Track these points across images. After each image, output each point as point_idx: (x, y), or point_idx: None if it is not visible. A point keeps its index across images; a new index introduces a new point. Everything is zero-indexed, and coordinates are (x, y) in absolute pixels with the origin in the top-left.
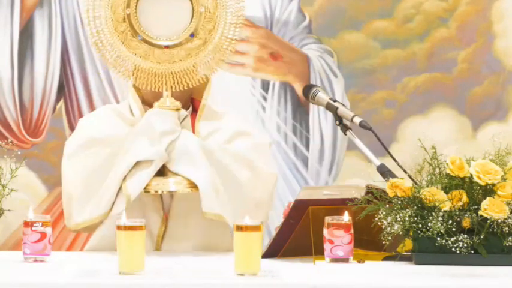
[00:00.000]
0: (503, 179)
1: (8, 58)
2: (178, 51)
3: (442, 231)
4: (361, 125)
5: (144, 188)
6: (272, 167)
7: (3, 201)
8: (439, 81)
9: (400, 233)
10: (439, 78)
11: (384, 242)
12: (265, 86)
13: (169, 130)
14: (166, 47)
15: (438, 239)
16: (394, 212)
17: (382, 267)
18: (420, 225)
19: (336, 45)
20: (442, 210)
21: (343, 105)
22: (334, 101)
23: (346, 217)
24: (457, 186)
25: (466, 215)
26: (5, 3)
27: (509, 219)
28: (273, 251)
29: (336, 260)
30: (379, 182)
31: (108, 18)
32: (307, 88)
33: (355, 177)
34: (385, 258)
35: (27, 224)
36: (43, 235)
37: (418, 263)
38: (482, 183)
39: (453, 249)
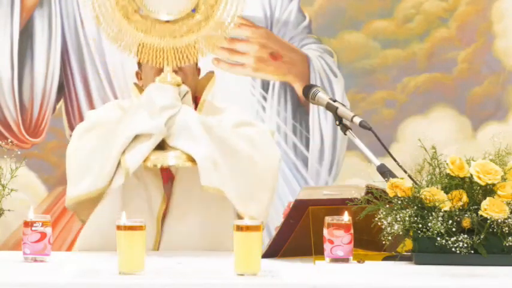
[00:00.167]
0: (503, 179)
1: (8, 58)
2: (179, 26)
3: (442, 231)
4: (361, 125)
5: (143, 162)
6: (275, 149)
7: (3, 201)
8: (439, 81)
9: (400, 233)
10: (439, 78)
11: (384, 242)
12: (265, 86)
13: (169, 105)
14: (167, 21)
15: (438, 239)
16: (394, 212)
17: (382, 267)
18: (420, 225)
19: (336, 45)
20: (442, 210)
21: (343, 105)
22: (334, 101)
23: (346, 217)
24: (457, 186)
25: (466, 215)
26: (5, 3)
27: (509, 219)
28: (273, 251)
29: (336, 260)
30: (379, 182)
31: None
32: (307, 88)
33: (355, 177)
34: (385, 258)
35: (27, 224)
36: (43, 235)
37: (418, 263)
38: (482, 183)
39: (453, 249)
